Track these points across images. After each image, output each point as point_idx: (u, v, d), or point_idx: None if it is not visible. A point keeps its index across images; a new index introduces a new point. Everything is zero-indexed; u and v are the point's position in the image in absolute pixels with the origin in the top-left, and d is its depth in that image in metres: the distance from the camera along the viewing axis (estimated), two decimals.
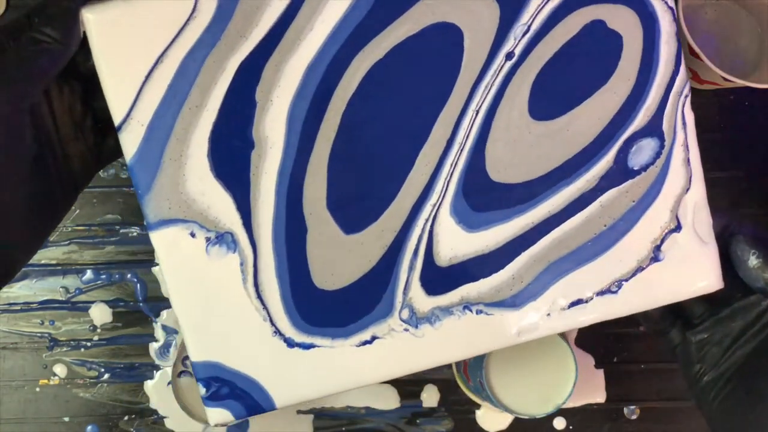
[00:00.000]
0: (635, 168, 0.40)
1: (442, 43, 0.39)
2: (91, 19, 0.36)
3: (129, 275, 0.63)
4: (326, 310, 0.39)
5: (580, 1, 0.40)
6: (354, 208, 0.39)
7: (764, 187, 0.65)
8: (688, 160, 0.41)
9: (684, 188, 0.41)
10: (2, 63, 0.33)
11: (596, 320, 0.40)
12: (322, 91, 0.38)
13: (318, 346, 0.39)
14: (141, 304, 0.63)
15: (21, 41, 0.34)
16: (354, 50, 0.38)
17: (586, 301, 0.40)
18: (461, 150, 0.39)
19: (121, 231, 0.63)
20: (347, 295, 0.39)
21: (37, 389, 0.62)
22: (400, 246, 0.39)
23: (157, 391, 0.62)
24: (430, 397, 0.63)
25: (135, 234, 0.63)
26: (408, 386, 0.63)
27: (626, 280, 0.40)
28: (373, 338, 0.40)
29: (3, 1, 0.65)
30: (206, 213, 0.38)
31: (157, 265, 0.63)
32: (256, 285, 0.39)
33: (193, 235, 0.38)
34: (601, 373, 0.63)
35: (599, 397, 0.63)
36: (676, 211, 0.41)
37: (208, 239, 0.38)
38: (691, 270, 0.41)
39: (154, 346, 0.63)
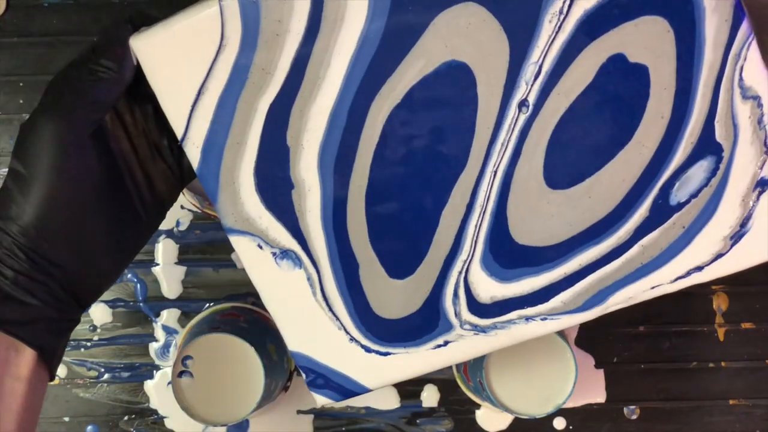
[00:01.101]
0: (681, 201, 0.38)
1: (457, 87, 0.38)
2: (137, 46, 0.38)
3: (129, 275, 0.63)
4: (391, 331, 0.41)
5: (594, 27, 0.36)
6: (395, 255, 0.40)
7: None
8: (760, 121, 0.37)
9: (760, 160, 0.37)
10: (61, 94, 0.37)
11: (687, 285, 0.39)
12: (347, 141, 0.39)
13: (394, 354, 0.42)
14: (141, 304, 0.63)
15: (81, 73, 0.37)
16: (371, 93, 0.38)
17: (669, 283, 0.40)
18: (483, 213, 0.39)
19: None
20: (406, 322, 0.41)
21: None
22: (439, 293, 0.41)
23: (157, 391, 0.62)
24: (430, 397, 0.63)
25: None
26: (408, 386, 0.63)
27: (708, 265, 0.39)
28: (446, 342, 0.41)
29: (3, 1, 0.65)
30: (266, 232, 0.40)
31: (157, 265, 0.63)
32: (325, 300, 0.41)
33: (260, 247, 0.40)
34: (601, 373, 0.63)
35: (599, 397, 0.63)
36: (750, 195, 0.38)
37: (273, 254, 0.40)
38: None
39: (154, 346, 0.63)
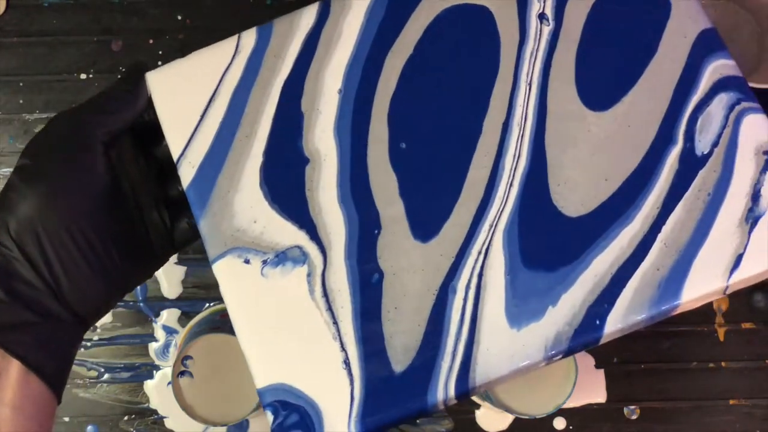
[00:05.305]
0: (705, 152, 0.37)
1: (467, 23, 0.39)
2: (151, 77, 0.40)
3: None
4: (387, 390, 0.35)
5: None
6: (424, 207, 0.37)
7: None
8: None
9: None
10: (82, 104, 0.39)
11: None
12: (362, 96, 0.39)
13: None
14: (141, 304, 0.63)
15: (98, 94, 0.40)
16: (383, 50, 0.39)
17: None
18: (521, 137, 0.38)
19: None
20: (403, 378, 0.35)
21: None
22: (444, 311, 0.36)
23: (157, 391, 0.62)
24: None
25: None
26: None
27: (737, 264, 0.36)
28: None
29: (3, 1, 0.65)
30: (260, 238, 0.37)
31: None
32: (325, 296, 0.37)
33: (247, 261, 0.37)
34: (601, 373, 0.63)
35: (599, 397, 0.63)
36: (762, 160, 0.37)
37: (264, 262, 0.37)
38: None
39: (154, 346, 0.63)
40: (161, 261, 0.42)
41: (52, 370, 0.37)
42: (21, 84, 0.65)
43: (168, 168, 0.42)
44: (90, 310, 0.38)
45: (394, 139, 0.38)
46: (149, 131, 0.41)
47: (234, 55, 0.40)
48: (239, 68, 0.40)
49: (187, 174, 0.39)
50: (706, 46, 0.39)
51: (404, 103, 0.39)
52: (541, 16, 0.39)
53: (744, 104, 0.38)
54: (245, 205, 0.38)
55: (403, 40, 0.40)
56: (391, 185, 0.38)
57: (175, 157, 0.39)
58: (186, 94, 0.40)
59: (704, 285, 0.36)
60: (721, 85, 0.38)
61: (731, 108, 0.38)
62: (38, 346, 0.36)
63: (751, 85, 0.58)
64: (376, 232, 0.37)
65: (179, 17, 0.66)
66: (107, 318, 0.62)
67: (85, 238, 0.37)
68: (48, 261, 0.36)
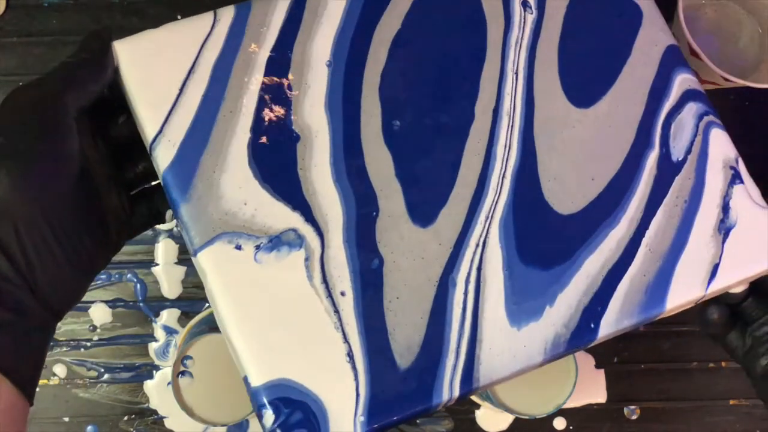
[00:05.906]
0: (679, 159, 0.39)
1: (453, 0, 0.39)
2: (119, 48, 0.37)
3: (129, 275, 0.63)
4: (392, 388, 0.34)
5: None
6: (420, 190, 0.36)
7: (764, 188, 0.65)
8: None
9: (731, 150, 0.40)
10: (46, 75, 0.36)
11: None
12: (352, 70, 0.37)
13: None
14: (141, 304, 0.63)
15: (63, 61, 0.36)
16: (371, 23, 0.38)
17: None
18: (510, 127, 0.38)
19: None
20: (407, 378, 0.34)
21: (37, 389, 0.62)
22: (444, 313, 0.35)
23: (157, 391, 0.62)
24: None
25: None
26: None
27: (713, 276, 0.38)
28: None
29: (3, 1, 0.65)
30: (251, 221, 0.35)
31: (157, 265, 0.63)
32: (325, 282, 0.35)
33: (239, 248, 0.35)
34: (601, 373, 0.63)
35: (600, 397, 0.63)
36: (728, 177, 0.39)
37: (257, 247, 0.35)
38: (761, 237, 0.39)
39: (154, 346, 0.63)
40: (117, 248, 0.39)
41: (25, 372, 0.34)
42: (21, 84, 0.65)
43: (123, 148, 0.39)
44: (64, 303, 0.35)
45: (387, 116, 0.37)
46: (103, 107, 0.38)
47: (213, 25, 0.37)
48: (220, 38, 0.37)
49: (166, 154, 0.35)
50: (673, 59, 0.40)
51: (395, 78, 0.38)
52: (524, 4, 0.39)
53: (711, 117, 0.40)
54: (233, 185, 0.35)
55: (391, 13, 0.38)
56: (387, 165, 0.37)
57: (150, 135, 0.36)
58: (161, 67, 0.36)
59: (685, 293, 0.37)
60: (689, 96, 0.40)
61: (700, 118, 0.40)
62: (12, 347, 0.33)
63: (751, 85, 0.58)
64: (374, 214, 0.36)
65: (179, 17, 0.66)
66: (107, 318, 0.62)
67: (61, 224, 0.34)
68: (25, 251, 0.33)
